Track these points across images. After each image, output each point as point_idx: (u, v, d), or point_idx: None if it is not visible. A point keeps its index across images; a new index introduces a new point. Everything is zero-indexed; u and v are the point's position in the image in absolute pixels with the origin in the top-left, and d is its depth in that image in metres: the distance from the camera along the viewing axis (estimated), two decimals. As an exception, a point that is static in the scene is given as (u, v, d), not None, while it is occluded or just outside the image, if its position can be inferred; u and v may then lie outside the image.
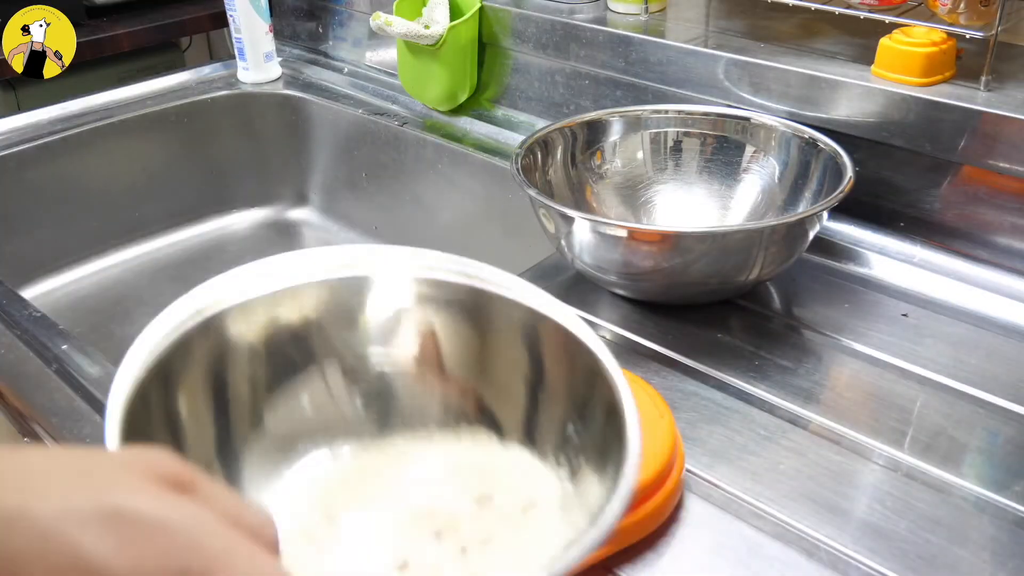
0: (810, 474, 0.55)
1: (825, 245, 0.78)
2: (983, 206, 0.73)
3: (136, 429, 0.35)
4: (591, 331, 0.43)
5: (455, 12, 1.02)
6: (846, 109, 0.77)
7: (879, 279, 0.74)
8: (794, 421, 0.60)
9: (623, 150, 0.83)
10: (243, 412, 0.44)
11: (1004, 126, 0.69)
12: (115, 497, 0.25)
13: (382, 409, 0.47)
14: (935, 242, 0.76)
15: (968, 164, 0.72)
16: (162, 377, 0.39)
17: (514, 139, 1.01)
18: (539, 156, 0.78)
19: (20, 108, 1.25)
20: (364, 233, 1.16)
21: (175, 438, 0.40)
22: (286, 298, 0.45)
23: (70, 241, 1.10)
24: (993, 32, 0.71)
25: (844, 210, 0.79)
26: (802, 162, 0.76)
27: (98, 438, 0.60)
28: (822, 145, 0.74)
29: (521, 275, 0.77)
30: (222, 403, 0.43)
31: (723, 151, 0.81)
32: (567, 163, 0.81)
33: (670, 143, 0.82)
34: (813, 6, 0.80)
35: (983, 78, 0.73)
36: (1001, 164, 0.70)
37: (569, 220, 0.67)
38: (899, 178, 0.77)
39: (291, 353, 0.45)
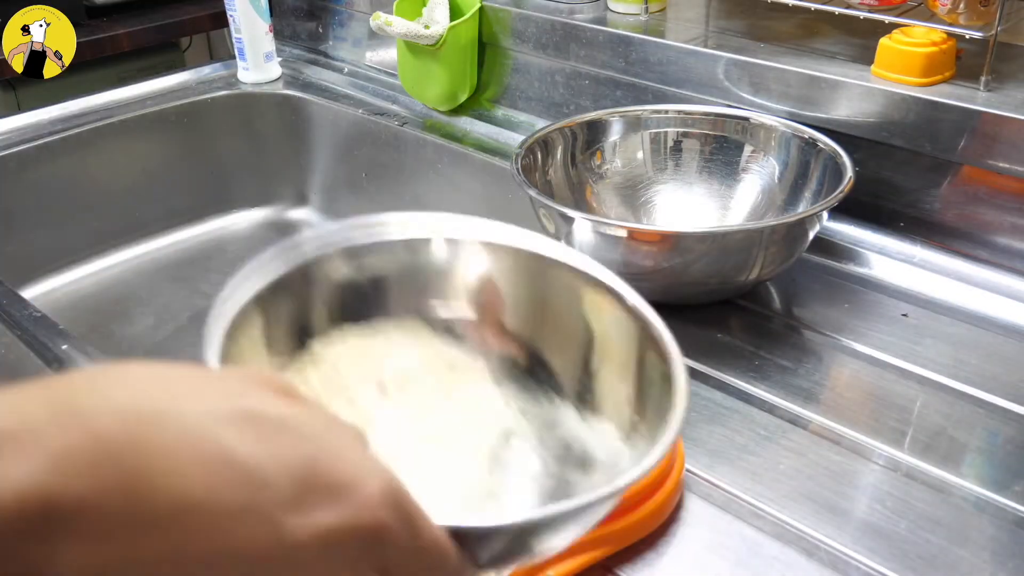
0: (810, 474, 0.55)
1: (825, 245, 0.78)
2: (983, 206, 0.73)
3: (226, 351, 0.39)
4: (643, 299, 0.46)
5: (455, 12, 1.02)
6: (846, 109, 0.77)
7: (879, 279, 0.74)
8: (794, 421, 0.60)
9: (623, 150, 0.83)
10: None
11: (1004, 126, 0.69)
12: (246, 401, 0.28)
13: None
14: (935, 242, 0.76)
15: (968, 164, 0.72)
16: (255, 312, 0.44)
17: (514, 139, 1.01)
18: (539, 156, 0.78)
19: (20, 108, 1.25)
20: (364, 233, 1.16)
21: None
22: (368, 253, 0.48)
23: (70, 241, 1.10)
24: (993, 32, 0.71)
25: (844, 210, 0.79)
26: (802, 162, 0.76)
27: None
28: (822, 145, 0.74)
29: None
30: (301, 341, 0.46)
31: (723, 151, 0.81)
32: (567, 163, 0.81)
33: (670, 143, 0.82)
34: (813, 6, 0.80)
35: (983, 78, 0.73)
36: (1001, 164, 0.70)
37: (569, 220, 0.67)
38: (899, 178, 0.77)
39: (365, 300, 0.48)
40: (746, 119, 0.80)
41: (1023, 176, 0.70)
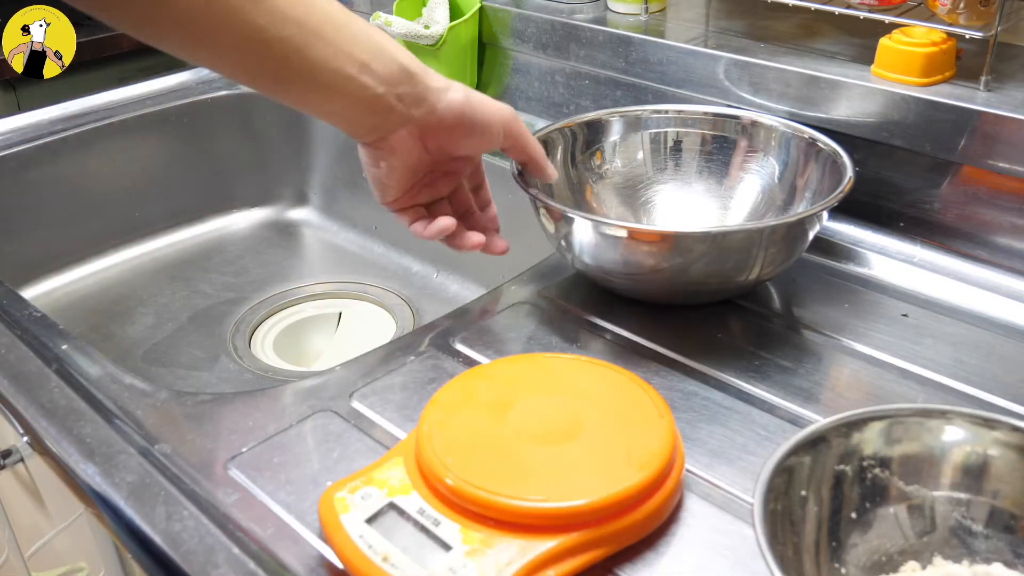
0: (810, 474, 0.55)
1: (825, 245, 0.78)
2: (983, 206, 0.73)
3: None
4: None
5: (455, 12, 1.02)
6: (846, 109, 0.77)
7: (879, 279, 0.74)
8: (794, 421, 0.60)
9: (623, 150, 0.83)
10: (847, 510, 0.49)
11: (1004, 126, 0.69)
12: None
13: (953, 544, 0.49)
14: (935, 242, 0.76)
15: (968, 164, 0.72)
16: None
17: (514, 139, 1.01)
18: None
19: (20, 108, 1.25)
20: (364, 233, 1.16)
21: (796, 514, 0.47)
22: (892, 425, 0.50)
23: (70, 241, 1.10)
24: (993, 32, 0.71)
25: (844, 210, 0.79)
26: (802, 162, 0.76)
27: (98, 437, 0.60)
28: (822, 145, 0.74)
29: (521, 275, 0.77)
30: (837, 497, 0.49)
31: (722, 151, 0.81)
32: (567, 163, 0.81)
33: (670, 143, 0.82)
34: (813, 6, 0.80)
35: (983, 78, 0.73)
36: (1001, 164, 0.70)
37: (569, 220, 0.67)
38: (899, 178, 0.77)
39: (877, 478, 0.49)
40: (745, 119, 0.80)
41: (1023, 176, 0.70)
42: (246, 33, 0.52)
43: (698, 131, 0.82)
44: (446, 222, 0.65)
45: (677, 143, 0.82)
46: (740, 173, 0.80)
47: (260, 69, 0.55)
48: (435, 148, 0.63)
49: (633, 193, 0.82)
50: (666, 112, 0.82)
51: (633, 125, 0.83)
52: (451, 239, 0.67)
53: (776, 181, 0.78)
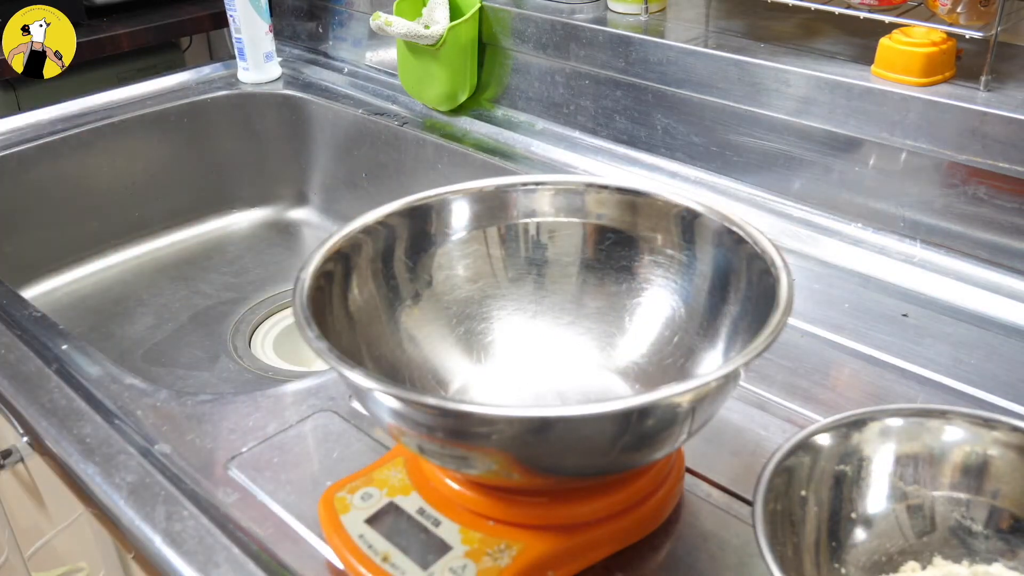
0: (810, 474, 0.55)
1: (824, 244, 0.78)
2: (983, 206, 0.73)
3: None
4: None
5: (455, 12, 1.02)
6: (846, 109, 0.77)
7: (879, 279, 0.74)
8: (794, 421, 0.60)
9: (462, 251, 0.59)
10: None
11: (1004, 126, 0.69)
12: None
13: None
14: (935, 242, 0.76)
15: (968, 164, 0.72)
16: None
17: (514, 139, 1.01)
18: (339, 273, 0.53)
19: (20, 108, 1.25)
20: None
21: None
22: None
23: (70, 241, 1.10)
24: (993, 32, 0.71)
25: (843, 210, 0.79)
26: (721, 268, 0.55)
27: (98, 437, 0.60)
28: (749, 242, 0.53)
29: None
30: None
31: (611, 248, 0.58)
32: (379, 273, 0.56)
33: (533, 240, 0.59)
34: (813, 6, 0.80)
35: (983, 78, 0.73)
36: (1001, 164, 0.70)
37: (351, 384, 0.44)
38: (899, 178, 0.77)
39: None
40: (643, 195, 0.57)
41: (1023, 176, 0.70)
42: None
43: (578, 221, 0.58)
44: None
45: (541, 243, 0.59)
46: (638, 284, 0.57)
47: None
48: None
49: (470, 320, 0.58)
50: (532, 187, 0.59)
51: (483, 212, 0.59)
52: None
53: (683, 303, 0.56)
